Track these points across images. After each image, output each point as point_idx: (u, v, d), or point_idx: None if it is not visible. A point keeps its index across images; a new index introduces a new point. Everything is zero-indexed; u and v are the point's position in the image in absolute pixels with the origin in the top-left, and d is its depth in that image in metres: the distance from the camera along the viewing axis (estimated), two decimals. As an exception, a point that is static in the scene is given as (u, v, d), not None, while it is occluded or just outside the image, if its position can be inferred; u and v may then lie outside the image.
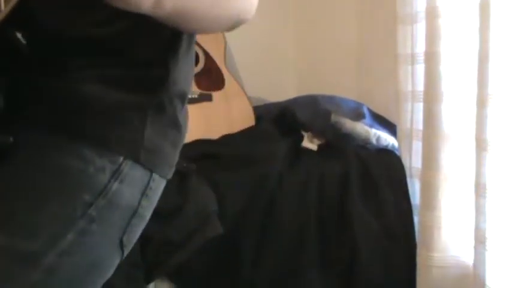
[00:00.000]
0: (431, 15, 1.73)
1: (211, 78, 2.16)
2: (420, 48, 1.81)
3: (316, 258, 1.79)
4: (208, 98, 2.12)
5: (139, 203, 0.92)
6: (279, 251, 1.78)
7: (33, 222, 0.83)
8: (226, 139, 2.07)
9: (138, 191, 0.92)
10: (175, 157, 0.99)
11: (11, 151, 0.85)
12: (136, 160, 0.90)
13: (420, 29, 1.80)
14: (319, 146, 2.01)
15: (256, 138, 2.04)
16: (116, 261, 0.93)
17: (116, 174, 0.88)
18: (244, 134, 2.10)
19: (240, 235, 1.76)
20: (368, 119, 2.06)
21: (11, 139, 0.84)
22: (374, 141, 2.00)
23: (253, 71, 2.47)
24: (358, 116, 2.04)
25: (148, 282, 1.63)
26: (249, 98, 2.21)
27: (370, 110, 2.14)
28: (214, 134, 2.07)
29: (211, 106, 2.12)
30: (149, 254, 1.60)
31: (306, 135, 2.03)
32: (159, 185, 0.96)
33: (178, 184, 1.69)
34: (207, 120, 2.07)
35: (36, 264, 0.82)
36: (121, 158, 0.89)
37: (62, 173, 0.86)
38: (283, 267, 1.77)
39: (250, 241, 1.76)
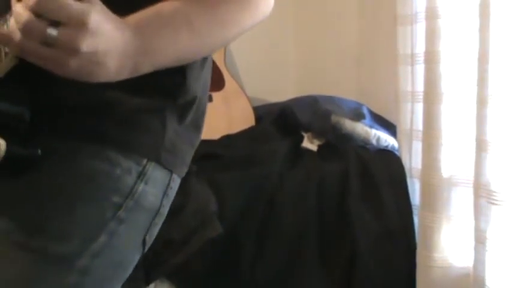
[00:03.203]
0: (431, 15, 1.73)
1: (211, 78, 2.15)
2: (420, 48, 1.81)
3: (316, 258, 1.79)
4: (208, 99, 2.12)
5: (161, 202, 0.95)
6: (278, 252, 1.78)
7: (67, 225, 0.84)
8: (226, 139, 2.07)
9: (161, 191, 0.95)
10: (191, 157, 1.03)
11: (39, 158, 0.86)
12: (158, 161, 0.92)
13: (420, 29, 1.81)
14: (319, 147, 2.01)
15: (256, 139, 2.04)
16: (137, 259, 0.96)
17: (141, 175, 0.90)
18: (244, 135, 2.10)
19: (239, 236, 1.76)
20: (368, 119, 2.06)
21: (39, 152, 0.85)
22: (374, 141, 2.00)
23: (253, 71, 2.48)
24: (358, 116, 2.04)
25: (147, 283, 1.62)
26: (249, 99, 2.21)
27: (370, 111, 2.14)
28: (214, 135, 2.07)
29: (211, 106, 2.09)
30: (149, 255, 1.60)
31: (306, 135, 2.03)
32: (176, 184, 0.99)
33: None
34: (207, 120, 2.04)
35: (72, 266, 0.83)
36: (145, 160, 0.91)
37: (91, 175, 0.87)
38: (283, 268, 1.77)
39: (250, 242, 1.76)
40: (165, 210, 0.97)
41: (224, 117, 2.15)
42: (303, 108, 2.12)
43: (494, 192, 1.51)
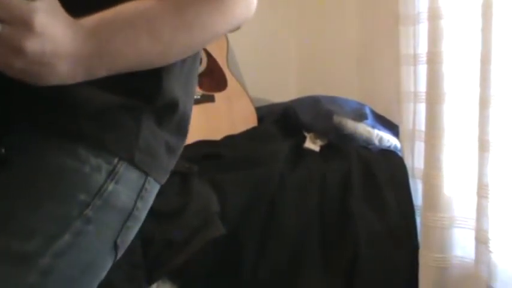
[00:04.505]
0: (434, 15, 1.73)
1: (214, 79, 2.16)
2: (422, 48, 1.81)
3: (318, 258, 1.79)
4: (211, 99, 2.12)
5: (134, 204, 0.91)
6: (280, 252, 1.78)
7: (29, 222, 0.82)
8: (228, 140, 2.07)
9: (134, 192, 0.91)
10: (171, 163, 0.98)
11: (6, 156, 0.84)
12: (131, 161, 0.89)
13: (422, 29, 1.80)
14: (322, 147, 2.00)
15: (258, 139, 2.04)
16: (109, 263, 0.92)
17: (111, 174, 0.88)
18: (246, 135, 2.10)
19: (241, 236, 1.75)
20: (370, 119, 2.05)
21: (3, 150, 0.84)
22: (376, 142, 2.00)
23: (255, 71, 2.48)
24: (360, 116, 2.04)
25: (150, 283, 1.62)
26: (251, 99, 2.21)
27: (372, 111, 2.14)
28: (217, 135, 2.07)
29: (213, 107, 2.12)
30: (151, 255, 1.60)
31: (308, 136, 2.03)
32: (153, 188, 0.95)
33: (180, 185, 1.69)
34: (209, 121, 2.07)
35: (32, 265, 0.81)
36: (116, 159, 0.88)
37: (57, 172, 0.85)
38: (284, 268, 1.77)
39: (252, 242, 1.76)
40: (141, 213, 0.94)
41: (226, 117, 2.15)
42: (305, 108, 2.12)
43: (497, 192, 1.51)
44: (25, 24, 0.72)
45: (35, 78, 0.77)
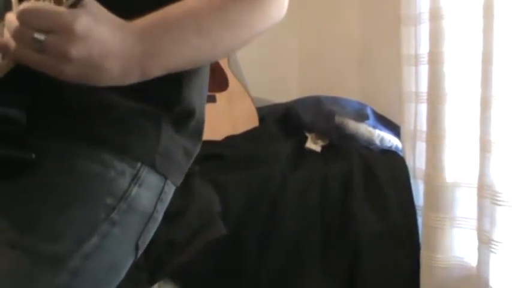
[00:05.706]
0: (435, 16, 1.73)
1: (215, 79, 2.16)
2: (424, 49, 1.81)
3: (319, 259, 1.79)
4: (212, 99, 2.12)
5: (155, 207, 0.95)
6: (282, 252, 1.78)
7: (59, 225, 0.84)
8: (230, 140, 2.07)
9: (154, 195, 0.94)
10: (187, 165, 1.03)
11: (35, 161, 0.86)
12: (152, 166, 0.92)
13: (424, 30, 1.81)
14: (323, 147, 2.00)
15: (260, 139, 2.04)
16: (130, 263, 0.95)
17: (135, 178, 0.90)
18: (247, 135, 2.10)
19: (243, 236, 1.76)
20: (372, 120, 2.06)
21: (33, 156, 0.86)
22: (377, 142, 2.00)
23: (257, 71, 2.48)
24: (361, 117, 2.04)
25: (151, 284, 1.63)
26: (252, 99, 2.21)
27: (373, 111, 2.14)
28: (218, 135, 2.07)
29: (214, 107, 2.12)
30: (152, 255, 1.60)
31: (309, 136, 2.03)
32: (171, 190, 0.99)
33: (181, 185, 1.69)
34: (211, 121, 2.04)
35: (62, 267, 0.83)
36: (139, 163, 0.91)
37: (85, 177, 0.88)
38: (286, 268, 1.77)
39: (253, 242, 1.76)
40: (159, 215, 0.97)
41: (228, 117, 2.15)
42: (307, 108, 2.12)
43: (498, 192, 1.51)
44: (67, 31, 0.74)
45: (87, 80, 0.79)
